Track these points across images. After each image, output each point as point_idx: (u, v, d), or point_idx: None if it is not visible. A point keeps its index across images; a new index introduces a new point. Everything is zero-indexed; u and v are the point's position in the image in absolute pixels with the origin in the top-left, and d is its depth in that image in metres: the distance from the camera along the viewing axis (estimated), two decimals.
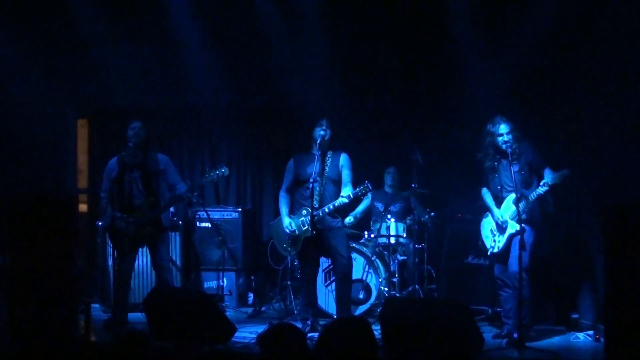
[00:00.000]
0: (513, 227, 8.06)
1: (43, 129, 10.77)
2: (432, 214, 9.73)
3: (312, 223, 8.31)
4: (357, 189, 8.39)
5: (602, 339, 7.74)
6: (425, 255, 9.69)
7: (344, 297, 8.62)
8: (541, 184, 7.94)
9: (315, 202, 8.42)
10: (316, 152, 8.55)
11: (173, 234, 10.14)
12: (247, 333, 8.25)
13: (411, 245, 9.70)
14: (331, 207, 8.45)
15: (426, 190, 9.72)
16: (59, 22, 10.35)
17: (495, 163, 8.27)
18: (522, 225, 7.92)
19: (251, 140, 11.50)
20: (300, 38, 10.20)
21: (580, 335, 8.48)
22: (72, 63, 10.76)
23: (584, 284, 8.98)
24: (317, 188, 8.47)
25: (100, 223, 9.98)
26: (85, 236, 10.86)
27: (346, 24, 10.09)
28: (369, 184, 8.36)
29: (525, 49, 9.30)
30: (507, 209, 8.17)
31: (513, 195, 8.06)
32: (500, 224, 8.19)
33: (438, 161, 10.14)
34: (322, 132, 8.55)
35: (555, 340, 8.33)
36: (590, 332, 8.45)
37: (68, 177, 11.35)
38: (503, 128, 8.10)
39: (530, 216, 8.10)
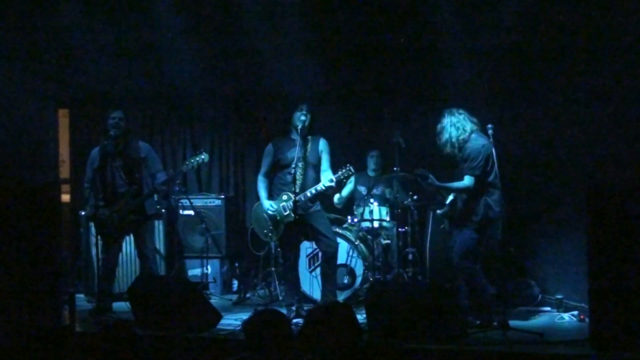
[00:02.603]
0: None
1: (24, 119, 10.70)
2: (415, 197, 9.74)
3: (295, 208, 8.32)
4: (340, 172, 8.42)
5: (586, 319, 7.77)
6: (409, 238, 9.72)
7: (330, 277, 8.67)
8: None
9: (296, 187, 8.41)
10: (296, 136, 8.53)
11: (156, 222, 10.11)
12: (232, 320, 8.24)
13: (395, 229, 9.71)
14: (313, 191, 8.47)
15: (408, 173, 9.71)
16: (38, 10, 10.29)
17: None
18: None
19: (233, 126, 11.45)
20: (280, 23, 10.16)
21: (565, 315, 8.53)
22: (53, 52, 10.71)
23: (568, 264, 9.02)
24: (299, 173, 8.47)
25: (83, 213, 9.95)
26: (68, 226, 10.83)
27: (325, 8, 10.07)
28: (351, 167, 8.41)
29: (507, 29, 9.28)
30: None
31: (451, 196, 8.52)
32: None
33: (420, 143, 10.12)
34: (302, 117, 8.52)
35: (540, 321, 8.38)
36: (575, 312, 8.50)
37: (50, 167, 11.29)
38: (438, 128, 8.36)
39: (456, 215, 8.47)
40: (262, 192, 8.79)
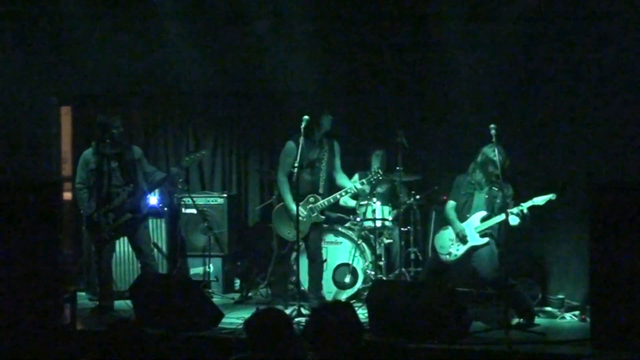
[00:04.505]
0: (476, 240, 8.36)
1: (26, 117, 10.72)
2: (418, 197, 9.74)
3: (322, 210, 8.77)
4: (370, 176, 8.87)
5: (588, 319, 7.77)
6: (411, 238, 9.73)
7: (314, 280, 8.90)
8: (515, 212, 8.11)
9: (320, 189, 8.72)
10: (317, 138, 8.70)
11: (159, 220, 10.15)
12: (234, 319, 8.21)
13: (397, 229, 9.71)
14: (343, 194, 8.89)
15: (413, 174, 9.73)
16: (41, 8, 10.30)
17: (475, 183, 8.49)
18: (488, 239, 8.33)
19: (236, 125, 11.44)
20: (285, 21, 10.18)
21: (567, 315, 8.54)
22: (55, 50, 10.72)
23: (570, 264, 9.02)
24: (320, 174, 8.70)
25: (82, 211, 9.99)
26: (70, 224, 10.84)
27: (330, 6, 10.08)
28: (379, 171, 8.87)
29: (512, 28, 9.28)
30: (473, 224, 8.42)
31: (484, 213, 8.37)
32: (461, 236, 8.42)
33: (423, 143, 10.11)
34: (327, 122, 8.71)
35: (542, 321, 8.35)
36: (577, 313, 8.50)
37: (52, 165, 11.30)
38: (498, 161, 8.10)
39: (495, 232, 8.36)
40: (288, 196, 8.75)
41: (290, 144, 8.77)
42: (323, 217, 8.78)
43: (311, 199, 8.73)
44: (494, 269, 8.22)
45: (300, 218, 8.59)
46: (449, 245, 8.52)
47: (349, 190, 8.76)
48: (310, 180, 8.66)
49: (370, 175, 8.76)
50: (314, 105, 9.29)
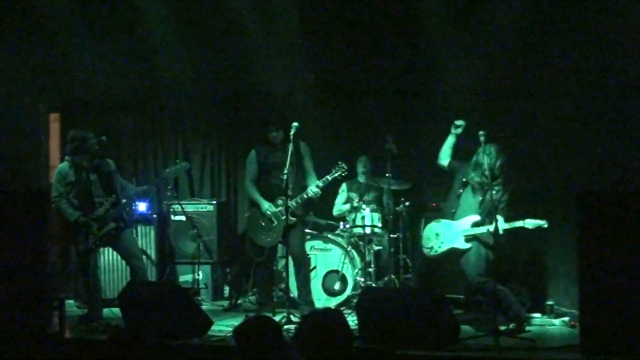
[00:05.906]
0: (460, 243, 8.42)
1: (14, 124, 10.68)
2: (407, 203, 9.74)
3: (292, 211, 8.65)
4: (333, 171, 8.73)
5: (577, 325, 7.78)
6: (401, 244, 9.72)
7: (305, 284, 8.95)
8: (505, 227, 8.13)
9: (290, 191, 8.60)
10: (279, 142, 8.82)
11: (147, 227, 10.14)
12: (224, 326, 8.19)
13: (386, 235, 9.71)
14: (305, 196, 8.77)
15: (401, 180, 9.74)
16: (30, 15, 10.28)
17: (466, 180, 8.51)
18: (471, 245, 8.36)
19: (224, 132, 11.45)
20: (272, 27, 10.21)
21: (556, 321, 8.55)
22: (44, 56, 10.70)
23: (558, 270, 9.04)
24: (288, 177, 8.56)
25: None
26: (58, 232, 10.80)
27: (316, 10, 10.10)
28: (342, 163, 8.77)
29: (499, 35, 9.30)
30: (463, 226, 8.45)
31: (477, 218, 8.36)
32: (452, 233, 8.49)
33: (412, 150, 10.11)
34: (274, 134, 8.84)
35: (531, 327, 8.35)
36: (566, 319, 8.52)
37: (40, 172, 11.27)
38: (493, 160, 8.20)
39: (484, 237, 8.34)
40: (258, 196, 9.00)
41: (252, 152, 9.08)
42: (294, 218, 8.74)
43: (279, 202, 8.77)
44: (479, 272, 8.28)
45: (271, 214, 8.87)
46: (433, 239, 8.64)
47: (309, 192, 8.78)
48: (277, 183, 8.70)
49: (334, 171, 8.76)
50: (276, 112, 9.53)
